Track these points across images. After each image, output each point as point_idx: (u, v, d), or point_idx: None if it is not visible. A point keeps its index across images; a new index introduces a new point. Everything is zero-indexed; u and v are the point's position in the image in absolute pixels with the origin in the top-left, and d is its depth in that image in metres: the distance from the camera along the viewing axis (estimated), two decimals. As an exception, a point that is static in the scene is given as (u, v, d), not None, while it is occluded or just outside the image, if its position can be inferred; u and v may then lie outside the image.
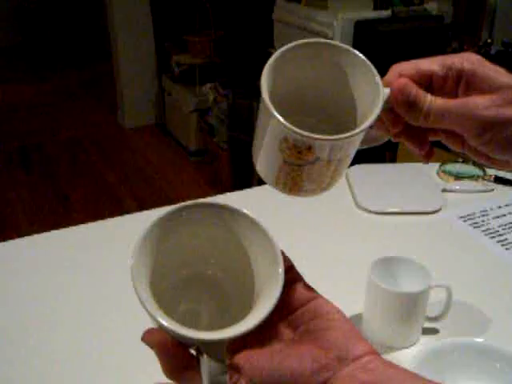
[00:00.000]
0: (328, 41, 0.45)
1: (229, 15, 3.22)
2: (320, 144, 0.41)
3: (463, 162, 1.18)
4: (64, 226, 1.02)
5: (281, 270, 0.38)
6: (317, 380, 0.35)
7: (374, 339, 0.74)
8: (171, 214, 0.39)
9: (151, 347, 0.37)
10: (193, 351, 0.37)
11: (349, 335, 0.37)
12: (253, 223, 0.40)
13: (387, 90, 0.45)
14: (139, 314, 0.38)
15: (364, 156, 0.49)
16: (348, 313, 0.76)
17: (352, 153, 0.45)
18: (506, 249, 0.96)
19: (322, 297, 0.40)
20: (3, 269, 0.92)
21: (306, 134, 0.41)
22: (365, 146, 0.47)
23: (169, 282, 0.42)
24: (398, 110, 0.46)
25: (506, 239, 0.98)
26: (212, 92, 3.04)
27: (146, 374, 0.57)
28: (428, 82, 0.46)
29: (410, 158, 0.99)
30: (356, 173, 1.16)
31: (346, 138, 0.42)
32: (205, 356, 0.36)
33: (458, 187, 1.14)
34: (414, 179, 1.17)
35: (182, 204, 0.40)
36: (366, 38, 2.10)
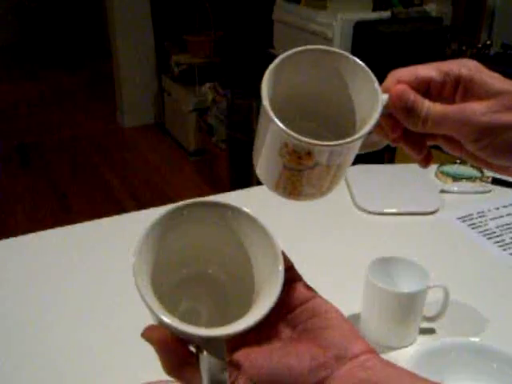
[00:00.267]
0: (328, 48, 0.46)
1: (228, 15, 3.22)
2: (319, 150, 0.42)
3: (461, 163, 1.18)
4: (62, 225, 1.02)
5: (281, 269, 0.38)
6: (315, 378, 0.35)
7: (371, 339, 0.75)
8: (172, 212, 0.40)
9: (151, 343, 0.37)
10: (193, 348, 0.37)
11: (347, 334, 0.37)
12: (254, 222, 0.41)
13: (386, 96, 0.45)
14: (139, 311, 0.38)
15: (363, 157, 0.50)
16: (346, 312, 0.76)
17: (351, 158, 0.46)
18: (503, 250, 0.96)
19: (320, 296, 0.40)
20: (1, 267, 0.92)
21: (305, 140, 0.41)
22: (364, 151, 0.48)
23: (170, 280, 0.42)
24: (396, 116, 0.47)
25: (503, 240, 0.99)
26: (211, 92, 3.04)
27: (146, 370, 0.58)
28: (426, 88, 0.47)
29: (408, 159, 0.98)
30: (355, 173, 1.16)
31: (346, 143, 0.42)
32: (204, 353, 0.36)
33: (455, 188, 1.15)
34: (412, 180, 1.18)
35: (184, 202, 0.40)
36: (366, 38, 2.11)
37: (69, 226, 1.02)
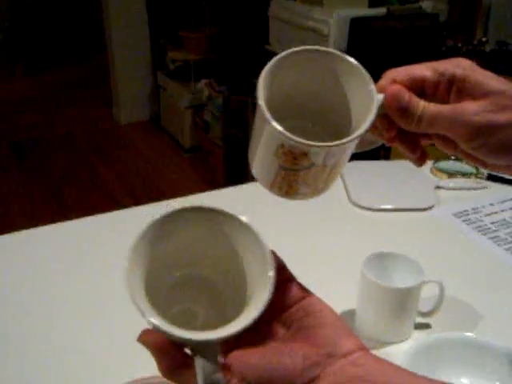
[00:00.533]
0: (324, 48, 0.46)
1: (224, 12, 3.22)
2: (315, 151, 0.42)
3: (456, 159, 1.18)
4: (58, 222, 1.02)
5: (271, 274, 0.39)
6: (308, 376, 0.36)
7: (366, 334, 0.75)
8: (166, 216, 0.40)
9: (147, 348, 0.38)
10: (188, 351, 0.38)
11: (339, 332, 0.38)
12: (245, 228, 0.41)
13: (381, 97, 0.46)
14: (136, 310, 0.38)
15: (358, 153, 0.50)
16: (341, 308, 0.77)
17: (347, 157, 0.46)
18: (498, 245, 0.97)
19: (314, 295, 0.41)
20: (-2, 263, 0.92)
21: (301, 140, 0.41)
22: (359, 150, 0.48)
23: (163, 283, 0.42)
24: (391, 116, 0.47)
25: (498, 236, 0.99)
26: (207, 88, 3.04)
27: (143, 370, 0.58)
28: (420, 88, 0.47)
29: (403, 156, 0.99)
30: (350, 169, 1.15)
31: (341, 144, 0.43)
32: (198, 356, 0.36)
33: (451, 184, 1.15)
34: (407, 176, 1.18)
35: (177, 207, 0.40)
36: (361, 35, 2.11)
37: (65, 223, 1.02)
